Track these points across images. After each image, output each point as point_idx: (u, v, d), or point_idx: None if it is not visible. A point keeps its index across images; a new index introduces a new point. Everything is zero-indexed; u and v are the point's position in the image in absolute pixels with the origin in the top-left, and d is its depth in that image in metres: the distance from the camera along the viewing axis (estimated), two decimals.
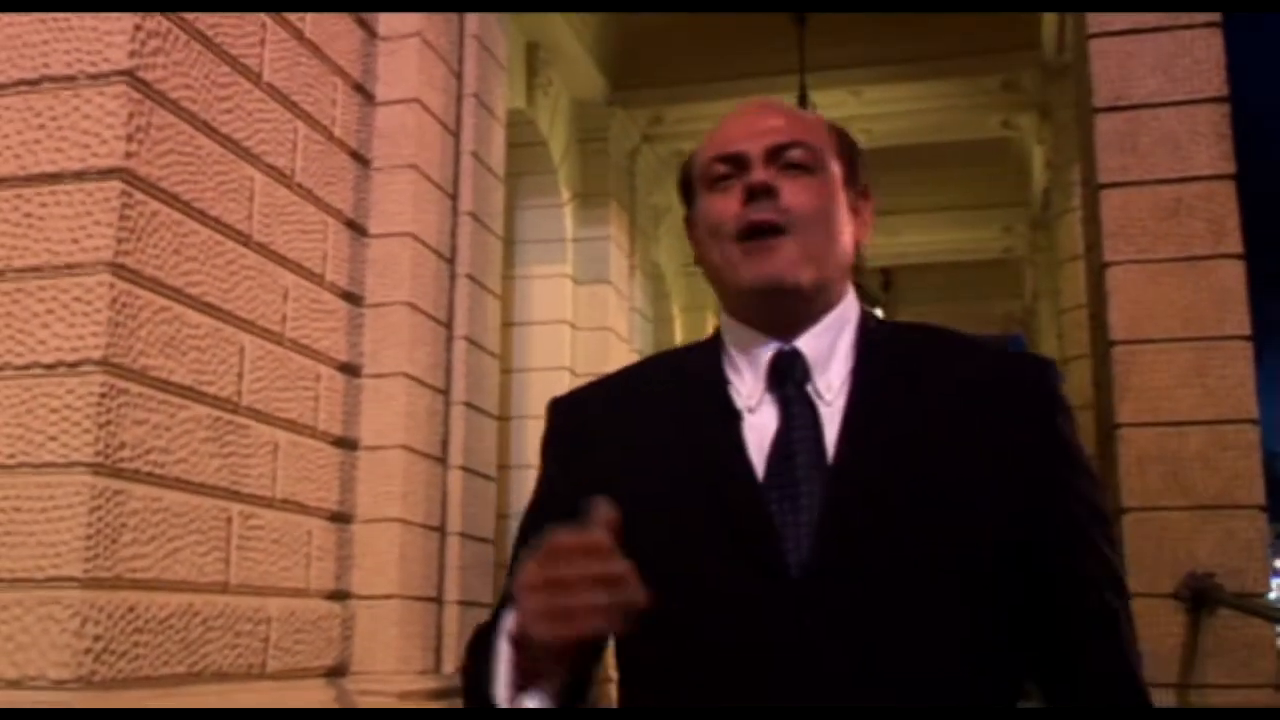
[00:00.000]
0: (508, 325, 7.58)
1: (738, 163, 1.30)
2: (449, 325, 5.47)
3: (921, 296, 13.12)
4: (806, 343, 1.30)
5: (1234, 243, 4.39)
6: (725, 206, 1.29)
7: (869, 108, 8.78)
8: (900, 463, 1.21)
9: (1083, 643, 1.23)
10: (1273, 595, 4.57)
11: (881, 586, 1.17)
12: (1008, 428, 1.24)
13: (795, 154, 1.30)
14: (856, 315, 1.33)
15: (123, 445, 3.53)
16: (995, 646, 1.21)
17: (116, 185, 3.57)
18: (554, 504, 1.33)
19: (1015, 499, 1.21)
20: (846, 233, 1.32)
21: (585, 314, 8.56)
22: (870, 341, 1.31)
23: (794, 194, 1.27)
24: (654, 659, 1.22)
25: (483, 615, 5.63)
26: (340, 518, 4.78)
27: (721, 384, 1.31)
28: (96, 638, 3.36)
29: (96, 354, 3.47)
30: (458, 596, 5.34)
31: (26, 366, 3.49)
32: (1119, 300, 4.44)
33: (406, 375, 5.03)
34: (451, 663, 5.26)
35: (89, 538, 3.38)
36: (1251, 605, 4.05)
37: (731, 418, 1.28)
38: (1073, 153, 7.49)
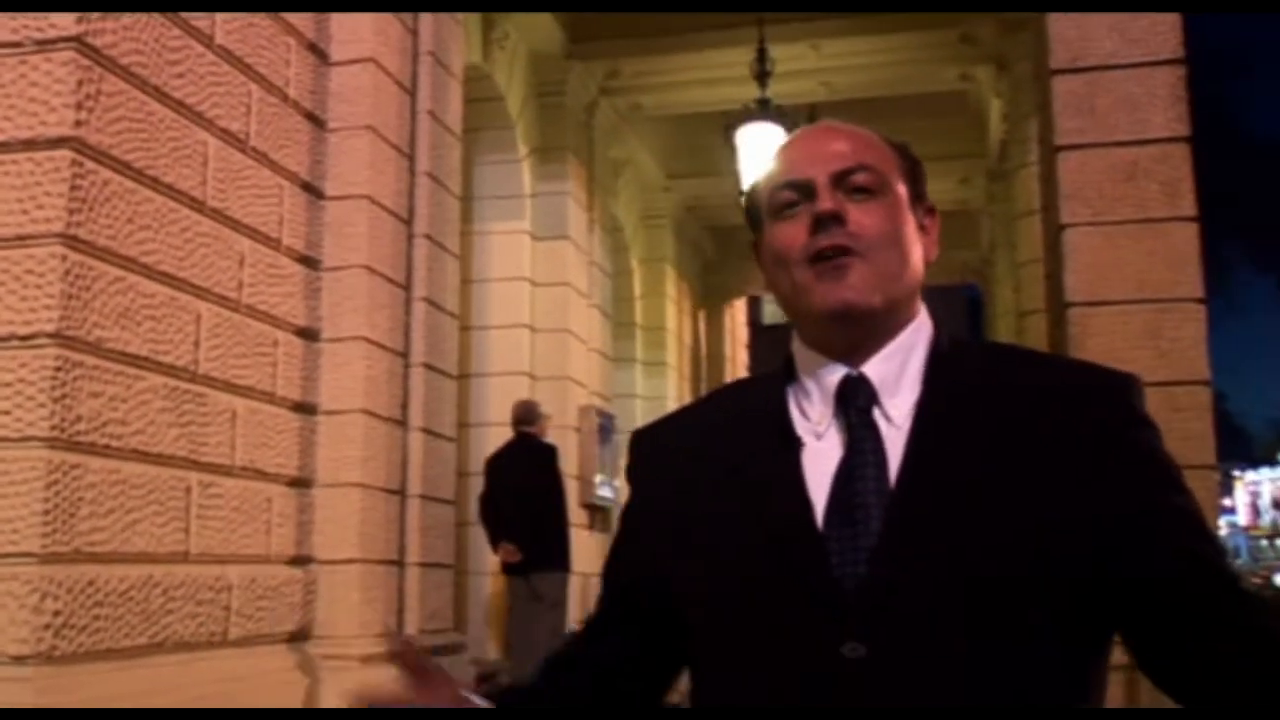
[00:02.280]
0: (466, 283, 7.54)
1: (804, 189, 1.27)
2: (408, 287, 5.43)
3: None
4: (874, 367, 1.27)
5: (1188, 205, 4.42)
6: (794, 235, 1.26)
7: (828, 61, 8.76)
8: (965, 490, 1.19)
9: (1218, 643, 1.14)
10: None
11: (935, 613, 1.15)
12: (1082, 447, 1.20)
13: (861, 178, 1.27)
14: (928, 337, 1.30)
15: (79, 418, 3.49)
16: (1061, 672, 1.18)
17: (67, 154, 3.51)
18: (635, 533, 1.38)
19: (1089, 519, 1.17)
20: (916, 253, 1.29)
21: (544, 270, 8.53)
22: (941, 364, 1.28)
23: (862, 219, 1.25)
24: (721, 690, 1.25)
25: (445, 577, 5.66)
26: (300, 483, 4.76)
27: (783, 413, 1.30)
28: (56, 613, 3.35)
29: (50, 327, 3.43)
30: (419, 559, 5.35)
31: None
32: (1076, 262, 4.47)
33: (366, 339, 5.01)
34: (414, 624, 5.28)
35: (46, 513, 3.35)
36: None
37: (790, 447, 1.27)
38: (1030, 107, 7.51)
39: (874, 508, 1.19)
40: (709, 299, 14.86)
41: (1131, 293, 4.40)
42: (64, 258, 3.48)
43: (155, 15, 3.94)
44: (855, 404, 1.26)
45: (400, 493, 5.26)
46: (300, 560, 4.73)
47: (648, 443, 1.43)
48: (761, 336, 17.73)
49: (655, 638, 1.33)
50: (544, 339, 8.43)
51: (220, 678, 4.05)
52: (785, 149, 1.33)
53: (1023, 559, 1.15)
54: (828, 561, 1.18)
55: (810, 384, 1.30)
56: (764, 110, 7.36)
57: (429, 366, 5.52)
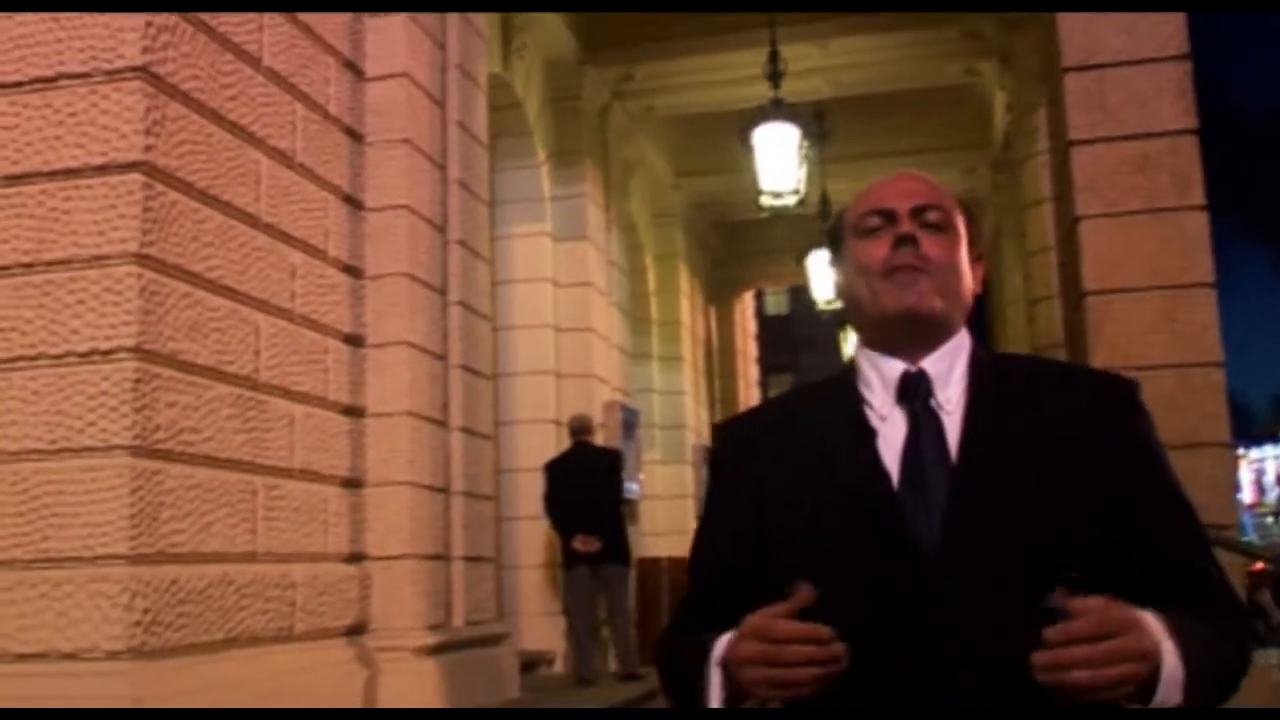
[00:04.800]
0: (492, 285, 7.73)
1: (888, 216, 1.57)
2: (444, 292, 5.64)
3: None
4: (930, 364, 1.56)
5: (1197, 195, 4.63)
6: (875, 251, 1.56)
7: (835, 59, 8.96)
8: (1012, 462, 1.47)
9: (1186, 600, 1.41)
10: None
11: (999, 564, 1.42)
12: (1100, 432, 1.50)
13: (933, 215, 1.57)
14: (969, 346, 1.60)
15: (157, 427, 3.70)
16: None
17: (138, 178, 3.71)
18: (729, 519, 1.61)
19: (1110, 488, 1.46)
20: (968, 281, 1.59)
21: (565, 270, 8.73)
22: (980, 366, 1.58)
23: (931, 245, 1.55)
24: None
25: (487, 570, 5.86)
26: (353, 483, 4.97)
27: (858, 404, 1.57)
28: (145, 610, 3.56)
29: (129, 341, 3.63)
30: (463, 553, 5.56)
31: (61, 356, 3.65)
32: (1090, 253, 4.68)
33: (408, 343, 5.21)
34: (460, 616, 5.49)
35: (132, 517, 3.56)
36: (1221, 539, 4.33)
37: (867, 433, 1.54)
38: (1034, 99, 7.71)
39: (939, 476, 1.48)
40: (718, 293, 15.07)
41: (1145, 280, 4.61)
42: (139, 275, 3.68)
43: (211, 42, 4.14)
44: (918, 393, 1.54)
45: (444, 490, 5.46)
46: (355, 557, 4.94)
47: (734, 433, 1.71)
48: (768, 327, 17.96)
49: (753, 602, 1.55)
50: (568, 337, 8.64)
51: (288, 670, 4.26)
52: (875, 186, 1.64)
53: (1061, 522, 1.44)
54: (905, 521, 1.46)
55: (873, 377, 1.59)
56: (778, 110, 7.55)
57: (466, 368, 5.73)
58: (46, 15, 3.82)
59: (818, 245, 11.13)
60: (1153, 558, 1.47)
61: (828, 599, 1.34)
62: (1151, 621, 1.30)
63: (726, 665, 1.39)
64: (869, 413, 1.57)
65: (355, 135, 5.24)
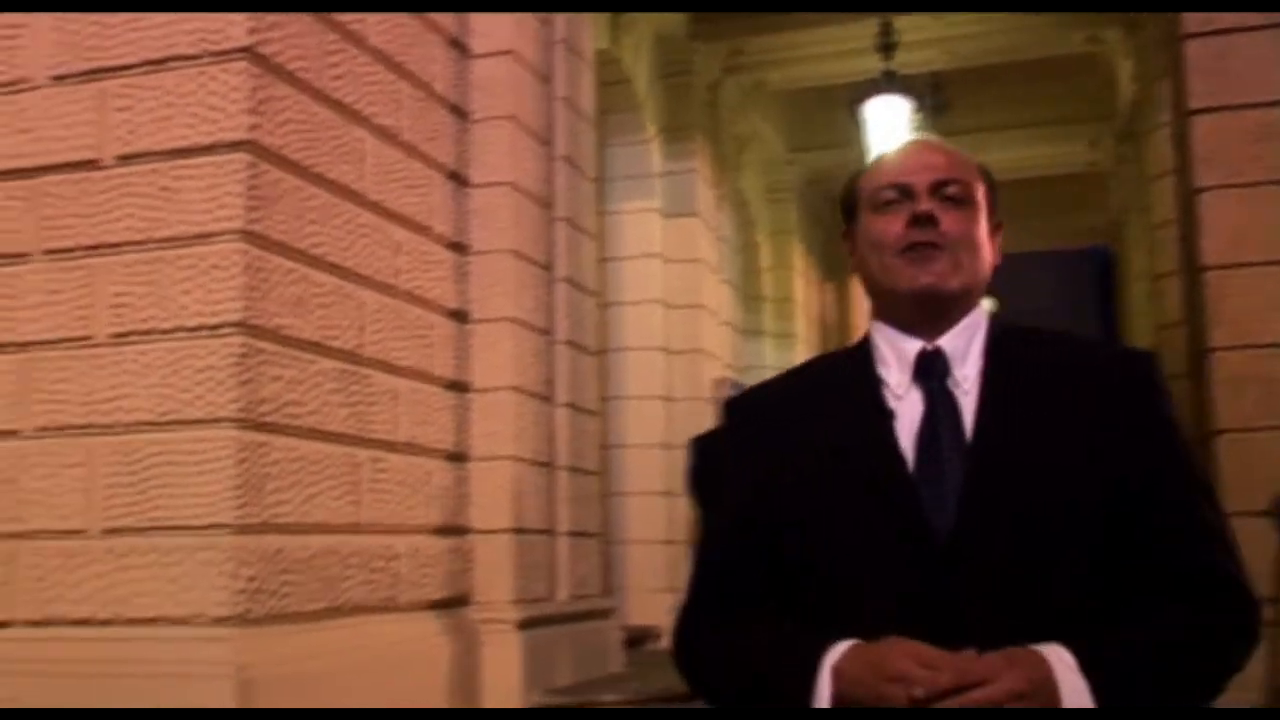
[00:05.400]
0: (600, 261, 7.75)
1: (905, 191, 1.54)
2: (549, 268, 5.67)
3: (1009, 213, 12.95)
4: (948, 341, 1.54)
5: None
6: (891, 226, 1.54)
7: (951, 29, 8.75)
8: (1028, 440, 1.45)
9: (1202, 563, 1.43)
10: None
11: (1014, 544, 1.41)
12: (1115, 408, 1.47)
13: (953, 189, 1.54)
14: (986, 321, 1.58)
15: (262, 400, 3.79)
16: (1105, 590, 1.43)
17: (244, 156, 3.79)
18: (743, 499, 1.58)
19: (1124, 467, 1.44)
20: (986, 255, 1.58)
21: (675, 246, 8.71)
22: (998, 342, 1.56)
23: (951, 222, 1.52)
24: (826, 615, 1.45)
25: (592, 546, 5.90)
26: (457, 457, 5.04)
27: (874, 382, 1.55)
28: (250, 579, 3.65)
29: (235, 316, 3.72)
30: (568, 528, 5.60)
31: (171, 331, 3.76)
32: (1210, 225, 4.51)
33: (512, 319, 5.25)
34: (564, 590, 5.53)
35: (237, 488, 3.65)
36: None
37: (883, 412, 1.52)
38: (1160, 68, 7.45)
39: (954, 458, 1.46)
40: (834, 270, 14.91)
41: (1267, 254, 4.43)
42: (244, 252, 3.76)
43: (316, 23, 4.20)
44: (934, 372, 1.52)
45: (549, 465, 5.51)
46: (459, 530, 5.01)
47: (747, 411, 1.68)
48: None
49: (767, 584, 1.54)
50: (677, 314, 8.62)
51: (390, 640, 4.34)
52: (891, 156, 1.61)
53: (1074, 506, 1.41)
54: (920, 504, 1.44)
55: (889, 354, 1.56)
56: (889, 82, 7.42)
57: (572, 344, 5.76)
58: None
59: None
60: (1160, 545, 1.43)
61: (846, 581, 1.32)
62: (1051, 657, 1.29)
63: (839, 673, 1.36)
64: (885, 393, 1.54)
65: (461, 112, 5.28)
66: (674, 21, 8.74)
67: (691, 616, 1.59)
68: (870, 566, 1.38)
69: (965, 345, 1.54)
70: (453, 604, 4.93)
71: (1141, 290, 10.25)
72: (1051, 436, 1.45)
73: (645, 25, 8.48)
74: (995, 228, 1.61)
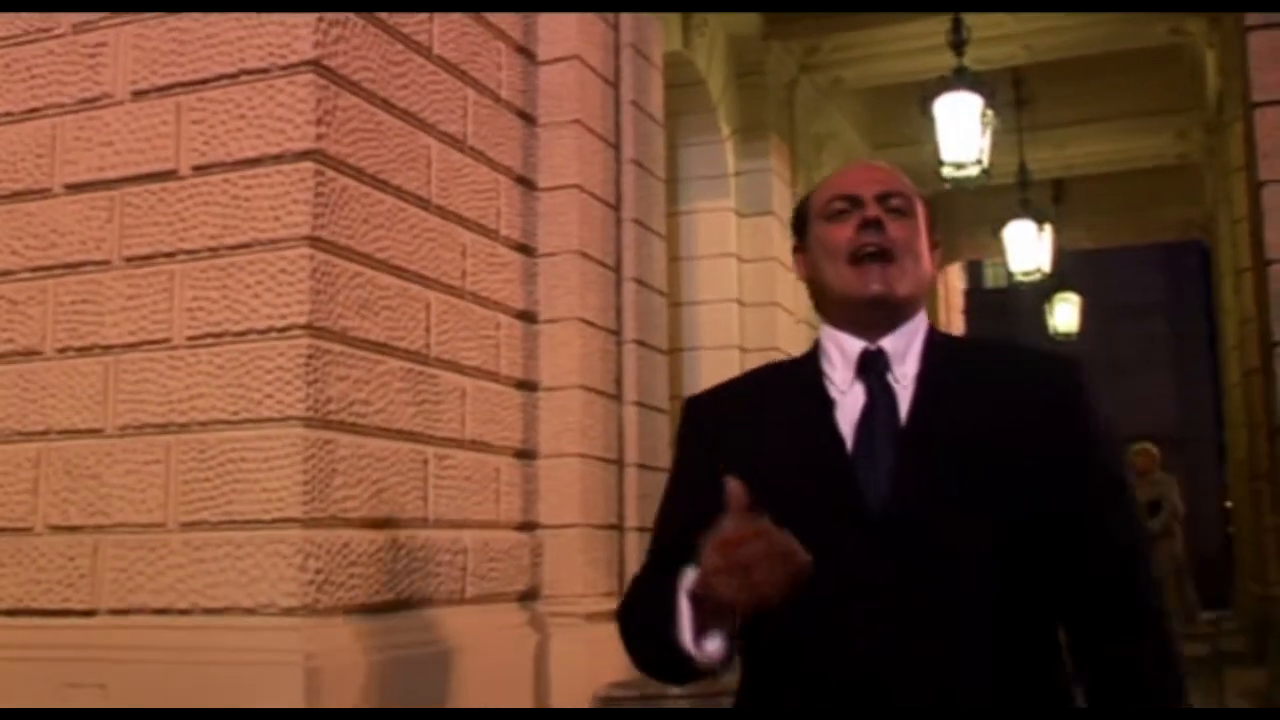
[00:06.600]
0: (675, 260, 7.84)
1: (854, 201, 1.68)
2: (618, 269, 5.77)
3: (1094, 206, 12.86)
4: (889, 342, 1.67)
5: None
6: (841, 233, 1.67)
7: (1027, 24, 8.68)
8: (958, 429, 1.58)
9: (1108, 580, 1.58)
10: None
11: (943, 525, 1.53)
12: (1041, 408, 1.60)
13: (896, 201, 1.69)
14: (926, 326, 1.72)
15: (329, 400, 3.94)
16: (1029, 576, 1.56)
17: (310, 166, 3.95)
18: (694, 481, 1.71)
19: (1049, 465, 1.56)
20: (927, 264, 1.72)
21: (750, 246, 8.76)
22: (936, 345, 1.70)
23: (896, 229, 1.67)
24: None
25: None
26: (525, 455, 5.16)
27: (819, 378, 1.69)
28: (318, 570, 3.81)
29: (302, 319, 3.88)
30: (637, 523, 5.69)
31: (243, 333, 3.93)
32: (1275, 219, 4.46)
33: (580, 319, 5.36)
34: None
35: (305, 483, 3.81)
36: None
37: (825, 404, 1.66)
38: (1237, 60, 7.33)
39: (890, 443, 1.59)
40: None
41: None
42: (311, 257, 3.92)
43: (381, 34, 4.35)
44: (875, 368, 1.65)
45: (618, 462, 5.60)
46: (527, 525, 5.13)
47: (701, 406, 1.82)
48: (985, 300, 17.48)
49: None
50: (752, 313, 8.67)
51: (460, 632, 4.47)
52: (838, 174, 1.77)
53: (1000, 491, 1.54)
54: (857, 484, 1.57)
55: (835, 354, 1.70)
56: (960, 79, 7.40)
57: (640, 343, 5.85)
58: (229, 15, 4.10)
59: (1015, 216, 10.84)
60: (1079, 564, 1.57)
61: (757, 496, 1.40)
62: None
63: (695, 594, 1.46)
64: (829, 386, 1.68)
65: (528, 118, 5.41)
66: (746, 22, 8.79)
67: (631, 588, 1.70)
68: (810, 538, 1.45)
69: (905, 346, 1.67)
70: (522, 598, 5.05)
71: (1230, 284, 10.06)
72: (980, 426, 1.57)
73: (717, 27, 8.54)
74: (934, 245, 1.74)
